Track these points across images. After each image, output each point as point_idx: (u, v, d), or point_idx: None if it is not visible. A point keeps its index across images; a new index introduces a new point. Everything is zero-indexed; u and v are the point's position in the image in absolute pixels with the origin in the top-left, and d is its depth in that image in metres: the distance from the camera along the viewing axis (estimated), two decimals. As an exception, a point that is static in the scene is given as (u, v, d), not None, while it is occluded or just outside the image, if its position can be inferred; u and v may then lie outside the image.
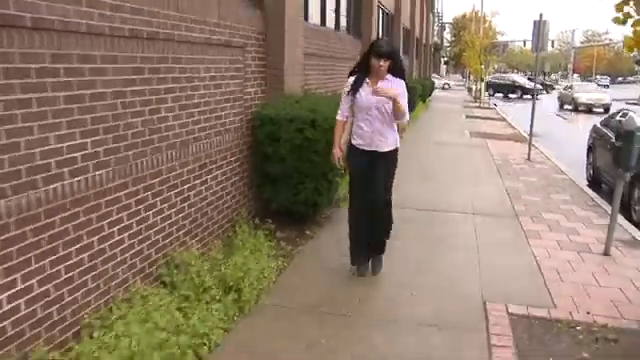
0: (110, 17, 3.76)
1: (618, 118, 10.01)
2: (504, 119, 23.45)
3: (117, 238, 4.00)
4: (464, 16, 73.98)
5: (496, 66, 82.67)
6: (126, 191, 4.07)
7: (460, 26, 69.14)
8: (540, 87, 47.42)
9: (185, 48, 4.80)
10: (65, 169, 3.44)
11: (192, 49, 4.92)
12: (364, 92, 4.93)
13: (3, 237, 3.00)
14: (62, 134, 3.39)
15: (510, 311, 4.48)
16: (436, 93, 39.55)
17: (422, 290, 4.88)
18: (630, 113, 9.76)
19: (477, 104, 32.24)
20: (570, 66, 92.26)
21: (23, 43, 3.05)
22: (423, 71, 33.99)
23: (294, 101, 6.55)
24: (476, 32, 38.56)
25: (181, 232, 4.89)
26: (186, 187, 4.94)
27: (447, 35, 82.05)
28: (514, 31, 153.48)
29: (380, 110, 4.91)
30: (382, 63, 4.81)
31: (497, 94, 46.46)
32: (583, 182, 10.32)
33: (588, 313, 4.51)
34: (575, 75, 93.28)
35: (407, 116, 4.99)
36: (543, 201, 8.35)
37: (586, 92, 34.06)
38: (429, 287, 4.95)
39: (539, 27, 12.22)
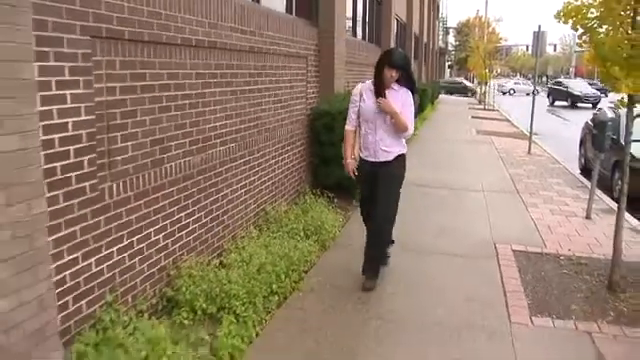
0: (239, 37, 5.50)
1: (595, 112, 11.86)
2: (507, 119, 25.21)
3: (239, 192, 5.74)
4: (468, 21, 75.48)
5: (499, 70, 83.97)
6: (243, 160, 5.81)
7: (464, 32, 70.73)
8: (598, 93, 40.10)
9: (276, 58, 6.55)
10: (217, 140, 5.19)
11: (279, 59, 6.67)
12: (369, 101, 4.99)
13: (190, 181, 4.74)
14: (217, 116, 5.14)
15: (513, 248, 6.22)
16: (442, 96, 41.20)
17: (448, 238, 6.60)
18: (604, 108, 11.69)
19: (482, 106, 33.96)
20: (572, 69, 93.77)
21: (220, 57, 4.82)
22: (430, 75, 35.76)
23: (342, 99, 8.28)
24: (480, 38, 40.24)
25: (271, 193, 6.63)
26: (273, 161, 6.68)
27: (451, 39, 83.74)
28: (516, 35, 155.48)
29: (384, 119, 4.94)
30: (394, 74, 4.83)
31: (557, 103, 40.43)
32: (576, 171, 12.02)
33: (569, 250, 6.25)
34: (578, 78, 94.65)
35: (410, 130, 4.98)
36: (540, 183, 10.10)
37: None
38: (453, 236, 6.68)
39: (538, 37, 13.99)
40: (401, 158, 5.06)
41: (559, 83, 44.36)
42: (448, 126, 20.38)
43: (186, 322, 4.13)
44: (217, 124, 5.15)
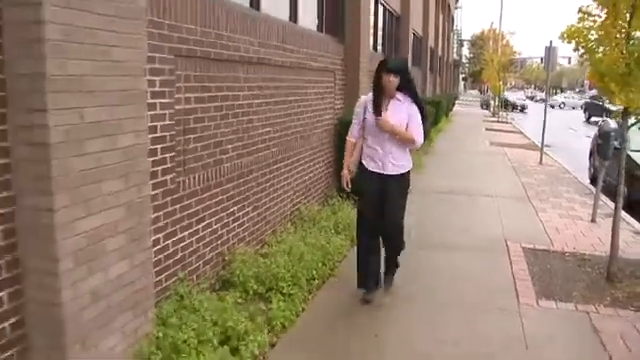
0: (280, 54, 6.28)
1: (600, 123, 12.60)
2: (520, 132, 25.89)
3: (279, 192, 6.50)
4: (482, 33, 76.05)
5: (513, 82, 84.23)
6: (283, 163, 6.57)
7: (478, 44, 71.46)
8: None
9: (309, 73, 7.33)
10: (262, 145, 5.96)
11: (312, 73, 7.45)
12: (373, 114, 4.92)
13: (242, 180, 5.50)
14: (263, 124, 5.91)
15: (523, 246, 6.93)
16: (456, 108, 41.88)
17: (466, 237, 7.32)
18: (607, 119, 12.42)
19: (495, 119, 34.62)
20: (587, 82, 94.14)
21: (273, 72, 5.60)
22: (445, 87, 36.54)
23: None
24: (494, 51, 40.99)
25: (304, 195, 7.39)
26: (306, 165, 7.44)
27: (465, 51, 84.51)
28: (531, 47, 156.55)
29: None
30: (392, 78, 4.74)
31: (594, 118, 35.54)
32: (586, 181, 12.70)
33: (574, 248, 6.95)
34: (593, 91, 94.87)
35: (418, 141, 4.94)
36: (550, 190, 10.80)
37: None
38: (470, 235, 7.40)
39: (549, 52, 14.73)
40: (408, 174, 5.05)
41: (596, 97, 38.90)
42: (463, 138, 21.08)
43: (240, 300, 4.84)
44: (262, 130, 5.92)
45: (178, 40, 4.20)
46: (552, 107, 57.78)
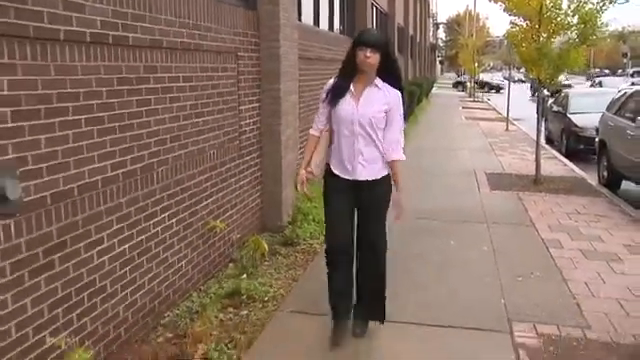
0: (325, 52, 10.83)
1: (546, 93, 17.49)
2: (493, 109, 30.83)
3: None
4: (458, 15, 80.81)
5: (492, 63, 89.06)
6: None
7: (454, 28, 76.36)
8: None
9: (337, 64, 11.87)
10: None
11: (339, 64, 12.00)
12: (345, 102, 4.17)
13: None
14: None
15: (485, 172, 11.64)
16: (434, 90, 46.74)
17: (449, 169, 11.98)
18: (544, 90, 17.31)
19: (471, 99, 39.56)
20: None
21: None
22: (423, 71, 41.39)
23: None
24: (469, 35, 45.92)
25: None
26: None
27: (442, 34, 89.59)
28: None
29: (364, 126, 4.10)
30: (369, 54, 4.00)
31: None
32: (542, 140, 17.48)
33: (518, 171, 11.67)
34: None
35: (400, 158, 4.24)
36: (510, 146, 15.60)
37: None
38: (450, 167, 12.07)
39: (510, 40, 19.54)
40: (387, 180, 4.29)
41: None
42: (443, 115, 25.94)
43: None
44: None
45: (301, 50, 8.73)
46: (523, 81, 62.36)
